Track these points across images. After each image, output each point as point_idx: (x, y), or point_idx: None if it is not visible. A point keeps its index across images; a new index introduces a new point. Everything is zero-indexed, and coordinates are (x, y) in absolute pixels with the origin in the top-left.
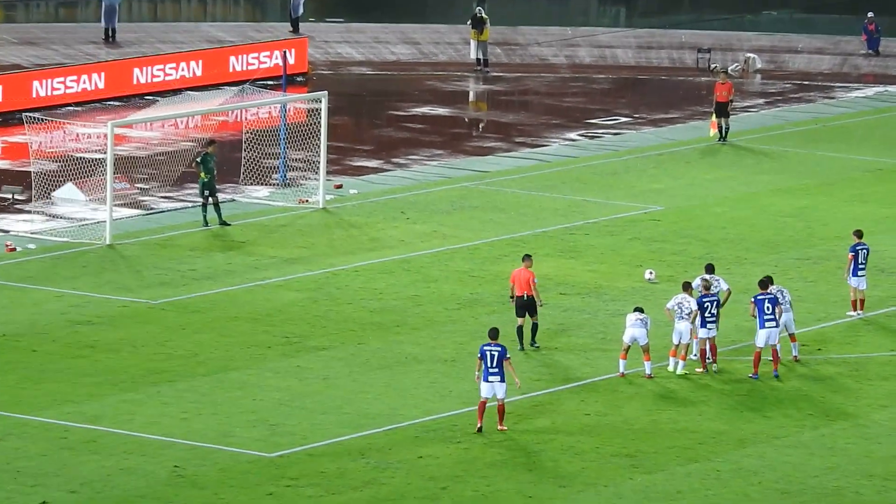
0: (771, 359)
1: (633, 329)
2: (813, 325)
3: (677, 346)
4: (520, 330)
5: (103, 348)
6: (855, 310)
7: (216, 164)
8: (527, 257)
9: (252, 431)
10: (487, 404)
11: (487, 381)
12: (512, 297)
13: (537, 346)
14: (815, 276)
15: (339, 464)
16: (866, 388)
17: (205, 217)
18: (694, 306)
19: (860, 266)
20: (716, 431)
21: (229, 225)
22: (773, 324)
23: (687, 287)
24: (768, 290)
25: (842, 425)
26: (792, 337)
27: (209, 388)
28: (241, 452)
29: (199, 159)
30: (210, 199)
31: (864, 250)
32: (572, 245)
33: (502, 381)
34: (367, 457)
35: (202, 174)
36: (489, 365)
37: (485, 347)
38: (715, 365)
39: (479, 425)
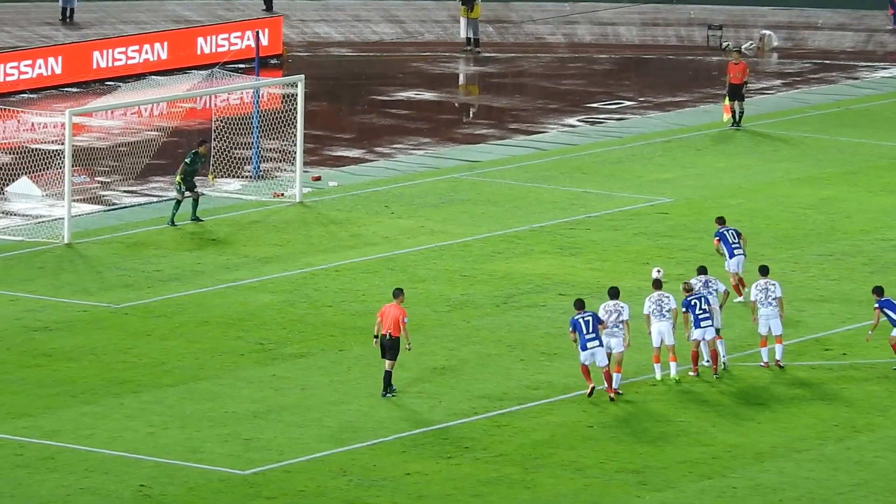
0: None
1: (607, 337)
2: (837, 328)
3: (659, 348)
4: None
5: (61, 357)
6: (740, 295)
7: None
8: (398, 292)
9: (224, 447)
10: (598, 369)
11: (586, 350)
12: (376, 337)
13: (393, 394)
14: (839, 273)
15: (319, 482)
16: None
17: (174, 216)
18: (673, 304)
19: (734, 245)
20: (731, 445)
21: (202, 221)
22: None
23: (658, 285)
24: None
25: (869, 437)
26: (778, 339)
27: (177, 400)
28: (213, 470)
29: (189, 159)
30: (190, 193)
31: (733, 232)
32: (572, 241)
33: (601, 345)
34: (349, 474)
35: (188, 168)
36: (585, 331)
37: (575, 318)
38: (715, 374)
39: (590, 385)
